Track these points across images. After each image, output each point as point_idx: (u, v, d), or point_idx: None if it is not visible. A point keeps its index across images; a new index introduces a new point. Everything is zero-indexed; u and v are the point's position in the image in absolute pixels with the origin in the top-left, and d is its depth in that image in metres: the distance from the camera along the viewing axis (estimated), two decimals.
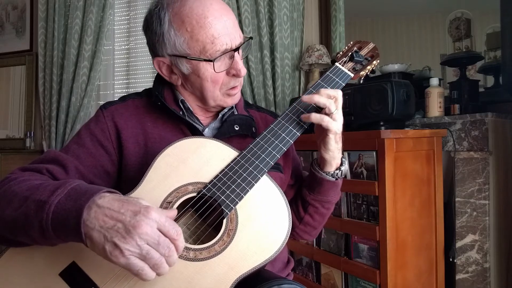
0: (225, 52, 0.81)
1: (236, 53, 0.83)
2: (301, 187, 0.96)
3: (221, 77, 0.84)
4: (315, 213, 0.95)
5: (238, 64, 0.83)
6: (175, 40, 0.81)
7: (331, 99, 0.80)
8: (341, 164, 0.89)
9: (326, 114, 0.80)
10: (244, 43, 0.86)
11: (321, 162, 0.88)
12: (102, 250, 0.58)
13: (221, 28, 0.80)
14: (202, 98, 0.88)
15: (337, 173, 0.89)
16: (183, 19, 0.80)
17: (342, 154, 0.89)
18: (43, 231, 0.62)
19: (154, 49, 0.86)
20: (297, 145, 0.98)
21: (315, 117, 0.80)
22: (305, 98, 0.81)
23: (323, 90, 0.81)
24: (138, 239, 0.57)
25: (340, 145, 0.86)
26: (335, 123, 0.81)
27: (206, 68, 0.82)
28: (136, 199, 0.62)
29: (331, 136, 0.82)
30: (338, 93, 0.82)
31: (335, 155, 0.86)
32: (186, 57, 0.82)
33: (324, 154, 0.86)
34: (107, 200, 0.61)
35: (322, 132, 0.83)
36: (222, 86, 0.85)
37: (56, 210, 0.61)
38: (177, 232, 0.61)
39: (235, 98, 0.90)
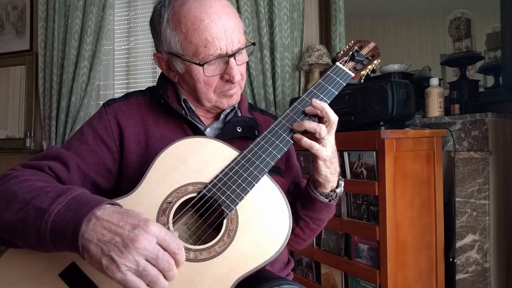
0: (219, 57, 0.80)
1: (232, 59, 0.81)
2: (296, 198, 0.94)
3: (215, 81, 0.83)
4: (305, 227, 0.94)
5: (232, 70, 0.81)
6: (171, 39, 0.81)
7: (322, 124, 0.78)
8: (337, 187, 0.87)
9: (317, 138, 0.78)
10: (243, 48, 0.84)
11: (316, 182, 0.86)
12: (99, 264, 0.57)
13: (217, 32, 0.79)
14: (197, 98, 0.87)
15: (331, 195, 0.87)
16: (180, 19, 0.80)
17: (340, 176, 0.87)
18: (41, 240, 0.61)
19: (155, 44, 0.88)
20: (297, 145, 0.97)
21: (305, 143, 0.78)
22: (296, 125, 0.79)
23: (319, 103, 0.78)
24: (135, 254, 0.56)
25: (332, 169, 0.83)
26: (324, 150, 0.79)
27: (199, 70, 0.81)
28: (136, 212, 0.61)
29: (320, 163, 0.81)
30: (334, 117, 0.79)
31: (328, 178, 0.83)
32: (180, 57, 0.82)
33: (317, 177, 0.84)
34: (107, 212, 0.60)
35: (312, 155, 0.81)
36: (216, 89, 0.84)
37: (55, 220, 0.60)
38: (178, 246, 0.59)
39: (232, 99, 0.88)
